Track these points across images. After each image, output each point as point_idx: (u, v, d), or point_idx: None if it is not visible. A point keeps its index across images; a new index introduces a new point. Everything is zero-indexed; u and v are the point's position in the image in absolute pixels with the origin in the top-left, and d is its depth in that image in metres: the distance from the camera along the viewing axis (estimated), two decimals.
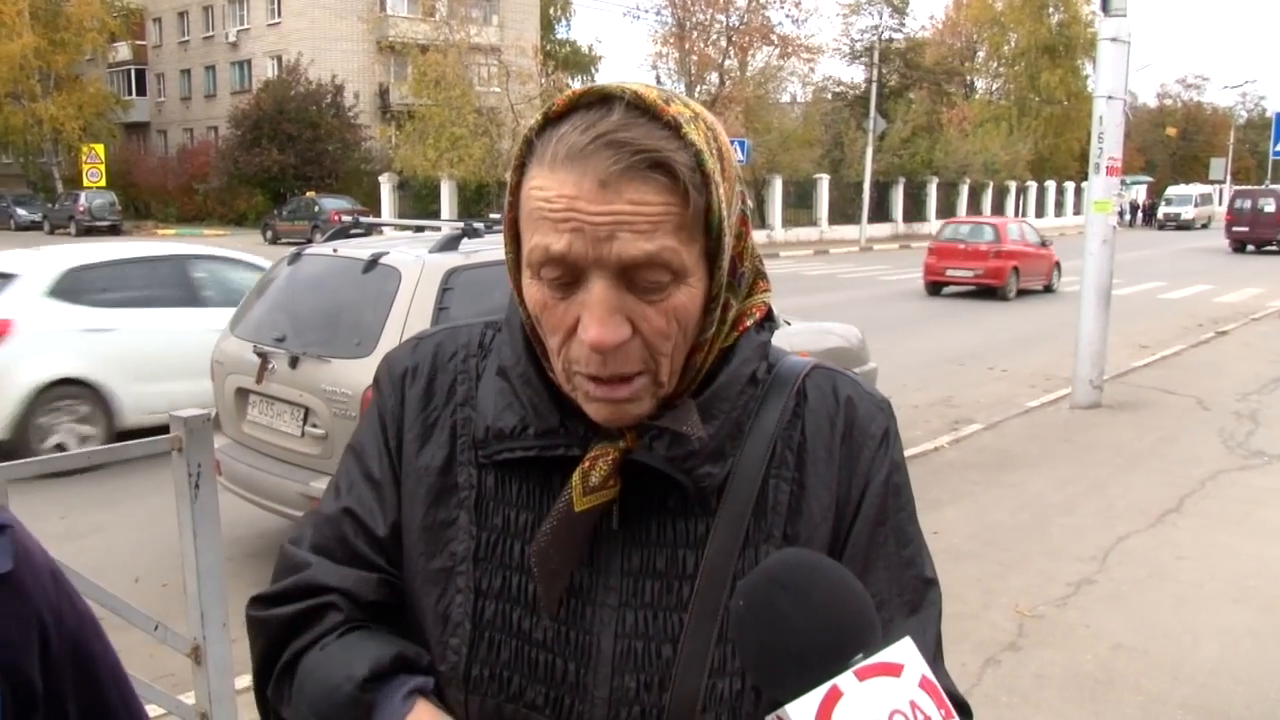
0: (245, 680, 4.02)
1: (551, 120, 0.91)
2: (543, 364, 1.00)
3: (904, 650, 0.79)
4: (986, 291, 20.33)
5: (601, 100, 0.90)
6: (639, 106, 0.89)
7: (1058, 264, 21.82)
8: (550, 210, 0.88)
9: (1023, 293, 20.17)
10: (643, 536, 0.99)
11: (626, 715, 0.97)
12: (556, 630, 0.99)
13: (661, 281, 0.90)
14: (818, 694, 0.77)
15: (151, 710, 3.71)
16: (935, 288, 20.98)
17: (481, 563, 1.01)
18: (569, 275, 0.90)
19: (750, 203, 1.02)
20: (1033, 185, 53.05)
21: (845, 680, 0.77)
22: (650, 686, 0.97)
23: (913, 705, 0.77)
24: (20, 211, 42.96)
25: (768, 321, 1.05)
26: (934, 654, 1.02)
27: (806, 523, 1.01)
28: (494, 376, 1.04)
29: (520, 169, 0.93)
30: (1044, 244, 21.76)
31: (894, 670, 0.78)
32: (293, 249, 6.02)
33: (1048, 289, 21.49)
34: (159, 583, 5.13)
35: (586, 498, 0.96)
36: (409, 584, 1.04)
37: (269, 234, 35.84)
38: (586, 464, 0.96)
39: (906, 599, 1.03)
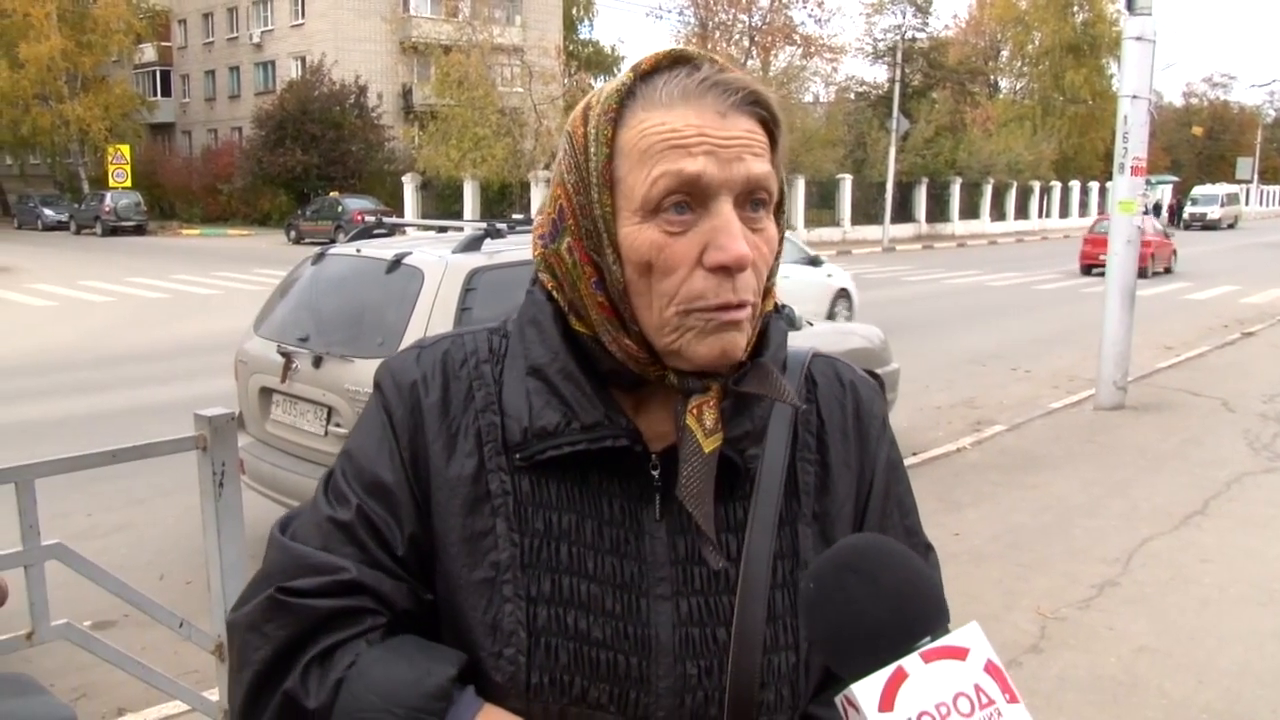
0: None
1: (642, 76, 0.98)
2: (584, 357, 1.01)
3: (970, 635, 0.81)
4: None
5: (681, 59, 0.99)
6: (720, 64, 0.99)
7: (1175, 250, 27.78)
8: (681, 137, 0.94)
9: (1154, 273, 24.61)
10: (685, 524, 1.00)
11: (691, 702, 0.99)
12: (615, 627, 0.99)
13: (763, 210, 0.98)
14: (883, 674, 0.79)
15: (176, 706, 3.76)
16: (1088, 269, 25.80)
17: (529, 569, 0.99)
18: (694, 202, 0.94)
19: None
20: (1057, 185, 52.72)
21: (911, 662, 0.79)
22: (711, 671, 0.99)
23: (977, 689, 0.79)
24: (47, 211, 43.36)
25: (780, 310, 1.11)
26: None
27: (834, 500, 1.08)
28: (524, 377, 1.03)
29: (614, 122, 0.97)
30: (1167, 235, 28.00)
31: (959, 654, 0.80)
32: (316, 249, 6.06)
33: (1168, 270, 26.86)
34: (183, 580, 5.18)
35: (709, 439, 0.98)
36: (451, 597, 1.02)
37: (292, 234, 36.03)
38: (694, 410, 0.98)
39: None
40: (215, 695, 3.38)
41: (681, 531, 1.01)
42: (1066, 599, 5.07)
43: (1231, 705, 4.05)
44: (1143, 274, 23.63)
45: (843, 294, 14.18)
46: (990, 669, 0.80)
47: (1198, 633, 4.70)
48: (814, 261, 13.95)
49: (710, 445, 0.98)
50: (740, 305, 0.95)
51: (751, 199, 0.96)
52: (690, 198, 0.94)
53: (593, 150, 0.96)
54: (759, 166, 0.95)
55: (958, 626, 0.83)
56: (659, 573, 1.00)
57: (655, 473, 1.02)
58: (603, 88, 1.00)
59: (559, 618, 0.98)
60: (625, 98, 0.97)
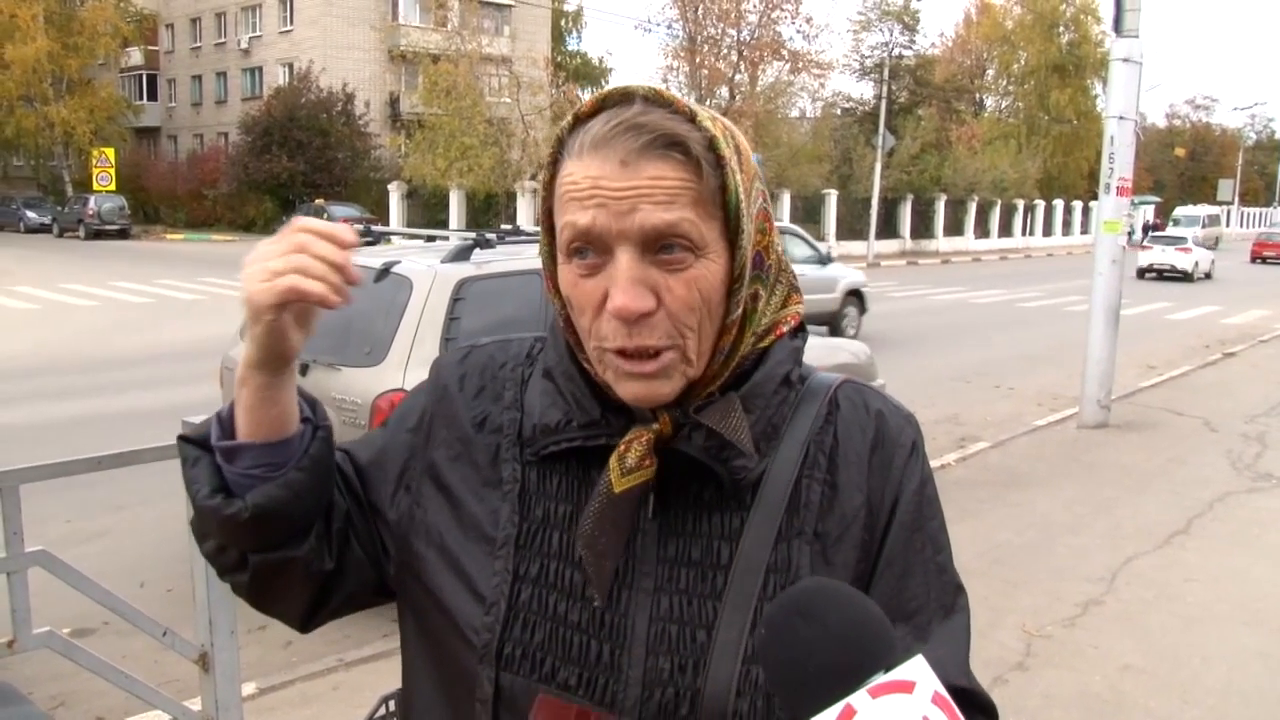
0: (251, 687, 4.03)
1: (581, 119, 0.99)
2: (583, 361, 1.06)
3: (916, 668, 0.82)
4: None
5: (624, 97, 0.99)
6: (656, 99, 0.98)
7: None
8: (577, 191, 0.96)
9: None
10: (679, 527, 1.03)
11: (660, 696, 1.00)
12: (592, 613, 1.02)
13: (682, 253, 0.96)
14: (832, 712, 0.80)
15: (157, 716, 3.71)
16: (1255, 259, 40.57)
17: (522, 549, 1.05)
18: (596, 249, 0.96)
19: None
20: (1041, 204, 53.02)
21: (859, 699, 0.80)
22: (685, 669, 1.00)
23: None
24: (30, 214, 43.08)
25: (800, 331, 1.12)
26: (965, 656, 1.09)
27: (838, 521, 1.06)
28: (540, 379, 1.11)
29: (553, 165, 1.00)
30: None
31: (906, 688, 0.81)
32: None
33: None
34: (164, 588, 5.13)
35: (625, 479, 1.00)
36: (441, 563, 1.09)
37: None
38: (622, 447, 1.01)
39: (943, 603, 1.10)
40: (198, 705, 3.34)
41: (675, 534, 1.03)
42: (1052, 617, 5.08)
43: None
44: None
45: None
46: (937, 700, 0.80)
47: (1182, 651, 4.71)
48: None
49: (623, 485, 1.00)
50: (646, 353, 0.96)
51: (657, 245, 0.95)
52: (591, 245, 0.96)
53: (542, 191, 1.02)
54: (657, 216, 0.93)
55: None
56: (644, 568, 1.03)
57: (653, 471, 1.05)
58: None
59: (540, 598, 1.03)
60: (563, 145, 1.00)
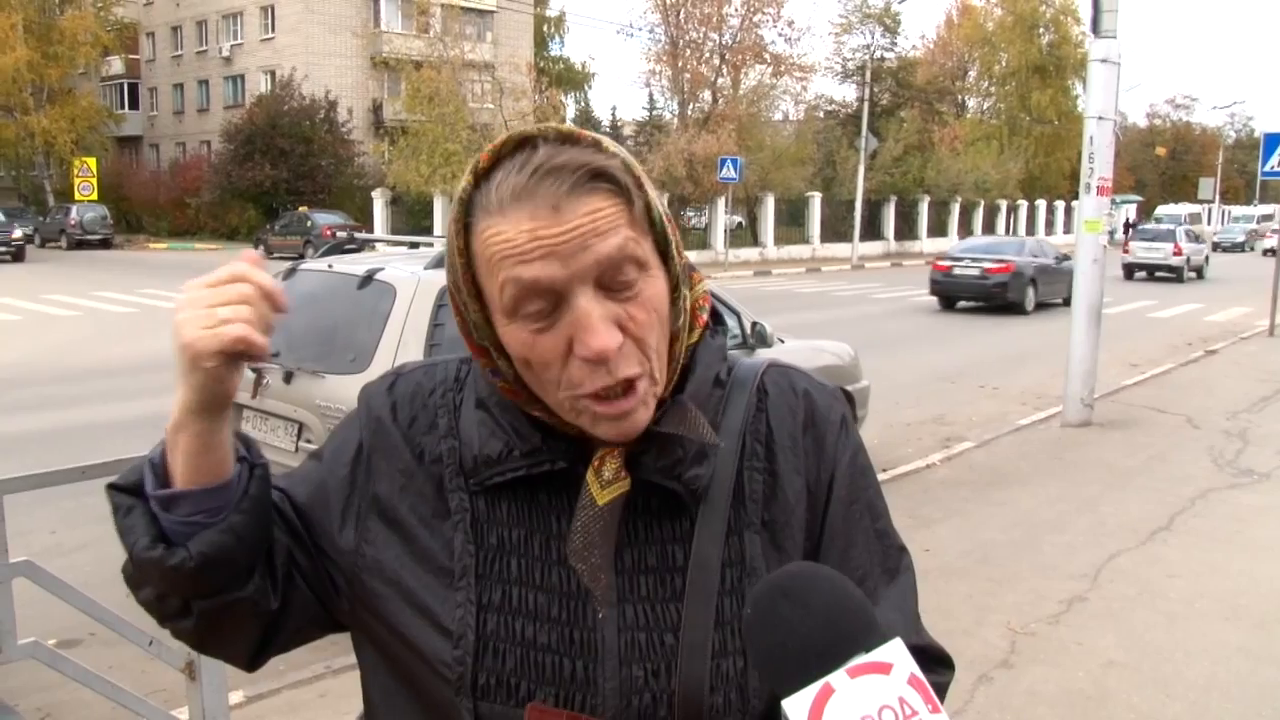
0: (239, 696, 4.03)
1: (482, 176, 0.97)
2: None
3: (894, 650, 0.84)
4: None
5: (521, 144, 0.97)
6: (559, 138, 0.97)
7: None
8: (513, 247, 0.93)
9: None
10: (631, 537, 1.04)
11: (638, 703, 1.01)
12: (561, 632, 1.02)
13: (632, 277, 0.96)
14: (811, 690, 0.82)
15: None
16: None
17: (482, 579, 1.04)
18: (548, 301, 0.94)
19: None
20: (1023, 204, 53.25)
21: (837, 678, 0.83)
22: (658, 674, 1.01)
23: (901, 701, 0.82)
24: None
25: (720, 326, 1.13)
26: (914, 615, 1.13)
27: (782, 508, 1.09)
28: (474, 409, 1.09)
29: (464, 230, 0.98)
30: None
31: (884, 669, 0.83)
32: (286, 264, 6.03)
33: None
34: None
35: (605, 491, 1.01)
36: (399, 602, 1.07)
37: (261, 249, 35.67)
38: (596, 463, 1.02)
39: (886, 568, 1.13)
40: (184, 714, 3.35)
41: (627, 544, 1.04)
42: (1036, 614, 5.11)
43: (1199, 719, 4.09)
44: None
45: None
46: (913, 681, 0.83)
47: (1165, 647, 4.75)
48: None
49: (606, 497, 1.01)
50: (621, 391, 0.96)
51: (614, 274, 0.95)
52: (542, 298, 0.94)
53: (455, 258, 0.99)
54: (608, 245, 0.93)
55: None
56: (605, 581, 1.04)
57: None
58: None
59: (507, 624, 1.03)
60: (469, 204, 0.97)
